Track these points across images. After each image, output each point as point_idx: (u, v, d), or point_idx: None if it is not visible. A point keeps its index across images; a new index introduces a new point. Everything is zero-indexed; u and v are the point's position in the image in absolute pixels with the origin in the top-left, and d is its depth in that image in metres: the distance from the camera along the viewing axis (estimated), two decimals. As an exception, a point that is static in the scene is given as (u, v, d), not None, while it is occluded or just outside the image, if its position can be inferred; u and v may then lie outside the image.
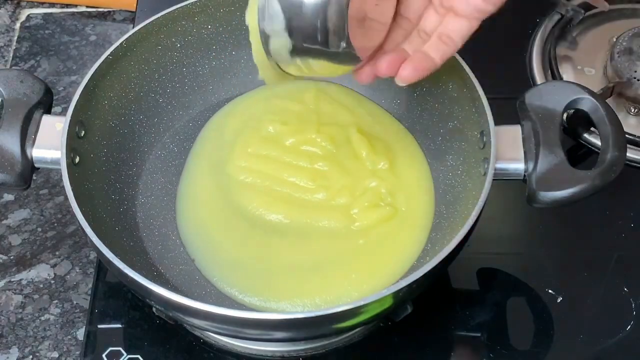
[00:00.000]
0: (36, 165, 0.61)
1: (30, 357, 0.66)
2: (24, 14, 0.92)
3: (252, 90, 0.74)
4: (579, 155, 0.75)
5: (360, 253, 0.64)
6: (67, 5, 0.93)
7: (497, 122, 0.60)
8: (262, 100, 0.73)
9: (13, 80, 0.62)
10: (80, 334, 0.67)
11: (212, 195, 0.68)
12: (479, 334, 0.65)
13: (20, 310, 0.68)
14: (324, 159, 0.68)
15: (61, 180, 0.58)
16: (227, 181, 0.68)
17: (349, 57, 0.55)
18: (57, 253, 0.72)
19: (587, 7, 0.83)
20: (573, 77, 0.80)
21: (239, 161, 0.68)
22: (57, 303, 0.69)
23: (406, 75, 0.56)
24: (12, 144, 0.59)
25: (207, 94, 0.74)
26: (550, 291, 0.67)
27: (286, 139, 0.69)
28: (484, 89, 0.62)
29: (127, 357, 0.63)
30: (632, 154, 0.74)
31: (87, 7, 0.93)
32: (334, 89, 0.74)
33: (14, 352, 0.66)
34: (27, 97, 0.61)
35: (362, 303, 0.52)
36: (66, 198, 0.57)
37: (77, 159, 0.61)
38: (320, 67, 0.56)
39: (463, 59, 0.64)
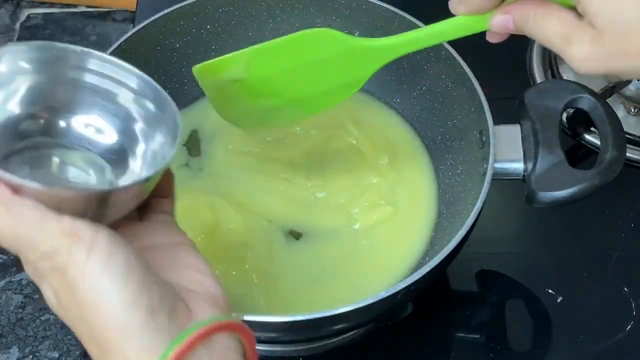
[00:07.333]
0: (35, 167, 0.60)
1: (31, 357, 0.66)
2: (24, 14, 0.92)
3: None
4: (578, 155, 0.75)
5: (364, 255, 0.64)
6: (67, 5, 0.93)
7: (497, 122, 0.60)
8: None
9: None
10: (80, 334, 0.67)
11: None
12: (478, 335, 0.65)
13: (20, 310, 0.68)
14: (315, 154, 0.67)
15: (61, 180, 0.58)
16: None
17: None
18: (57, 253, 0.71)
19: (588, 6, 0.83)
20: (573, 77, 0.79)
21: (221, 158, 0.68)
22: (57, 303, 0.69)
23: None
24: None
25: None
26: (550, 291, 0.67)
27: (268, 134, 0.68)
28: (483, 89, 0.62)
29: (126, 357, 0.63)
30: (632, 154, 0.73)
31: (87, 7, 0.93)
32: None
33: (14, 352, 0.66)
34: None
35: (361, 305, 0.52)
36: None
37: (76, 160, 0.61)
38: None
39: (463, 58, 0.64)
